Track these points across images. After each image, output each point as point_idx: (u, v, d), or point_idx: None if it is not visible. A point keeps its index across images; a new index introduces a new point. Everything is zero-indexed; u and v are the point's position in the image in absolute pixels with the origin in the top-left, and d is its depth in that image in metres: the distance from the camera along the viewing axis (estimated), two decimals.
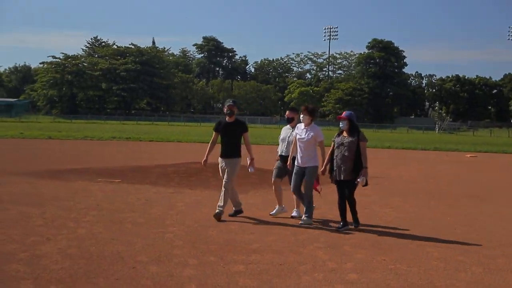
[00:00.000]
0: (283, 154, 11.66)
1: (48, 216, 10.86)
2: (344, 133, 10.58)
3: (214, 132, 11.54)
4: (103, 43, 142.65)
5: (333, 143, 10.75)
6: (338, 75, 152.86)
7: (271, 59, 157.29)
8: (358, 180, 10.24)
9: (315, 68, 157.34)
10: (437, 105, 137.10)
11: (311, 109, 11.19)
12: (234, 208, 11.64)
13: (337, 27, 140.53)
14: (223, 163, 11.32)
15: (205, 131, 62.11)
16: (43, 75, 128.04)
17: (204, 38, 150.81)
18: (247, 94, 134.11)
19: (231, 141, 11.25)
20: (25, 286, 6.57)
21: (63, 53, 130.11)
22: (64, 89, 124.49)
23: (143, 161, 22.70)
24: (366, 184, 10.43)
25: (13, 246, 8.41)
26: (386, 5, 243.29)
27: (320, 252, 8.70)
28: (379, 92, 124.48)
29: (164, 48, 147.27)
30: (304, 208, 11.05)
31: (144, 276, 7.08)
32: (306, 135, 11.00)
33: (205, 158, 11.52)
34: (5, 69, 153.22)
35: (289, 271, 7.56)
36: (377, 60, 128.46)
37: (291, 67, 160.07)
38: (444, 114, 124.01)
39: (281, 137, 11.86)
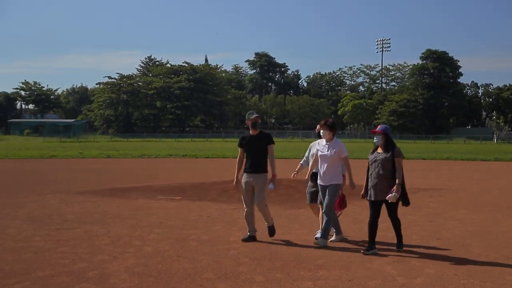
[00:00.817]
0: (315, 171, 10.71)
1: (113, 235, 10.97)
2: (379, 149, 9.75)
3: (239, 149, 10.73)
4: (157, 62, 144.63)
5: (369, 160, 9.89)
6: (392, 87, 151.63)
7: (324, 73, 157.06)
8: (390, 195, 9.32)
9: (368, 80, 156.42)
10: (495, 114, 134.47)
11: (330, 123, 10.36)
12: (248, 233, 10.63)
13: (389, 39, 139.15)
14: (250, 179, 10.46)
15: None
16: (100, 95, 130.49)
17: (256, 54, 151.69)
18: (300, 108, 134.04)
19: (257, 155, 10.49)
20: None
21: (118, 73, 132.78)
22: (120, 108, 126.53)
23: (202, 178, 22.81)
24: (403, 202, 9.61)
25: (82, 265, 8.51)
26: (439, 15, 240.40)
27: (389, 267, 8.53)
28: (434, 103, 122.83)
29: (217, 65, 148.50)
30: (322, 227, 10.21)
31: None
32: (329, 151, 10.23)
33: (235, 179, 10.78)
34: (63, 91, 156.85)
35: (358, 287, 7.43)
36: (432, 71, 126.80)
37: (344, 80, 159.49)
38: (502, 124, 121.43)
39: (311, 152, 10.97)
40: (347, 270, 8.29)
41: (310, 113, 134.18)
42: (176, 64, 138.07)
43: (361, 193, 9.83)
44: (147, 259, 8.80)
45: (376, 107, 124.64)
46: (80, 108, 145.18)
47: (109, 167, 30.24)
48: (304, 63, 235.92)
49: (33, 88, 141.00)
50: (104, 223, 12.18)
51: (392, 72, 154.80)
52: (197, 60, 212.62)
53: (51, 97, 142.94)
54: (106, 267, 8.44)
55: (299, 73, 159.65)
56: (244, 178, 10.53)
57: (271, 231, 10.68)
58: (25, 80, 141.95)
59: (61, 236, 10.87)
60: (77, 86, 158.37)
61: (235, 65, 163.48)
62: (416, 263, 8.76)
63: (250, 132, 10.60)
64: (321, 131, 10.32)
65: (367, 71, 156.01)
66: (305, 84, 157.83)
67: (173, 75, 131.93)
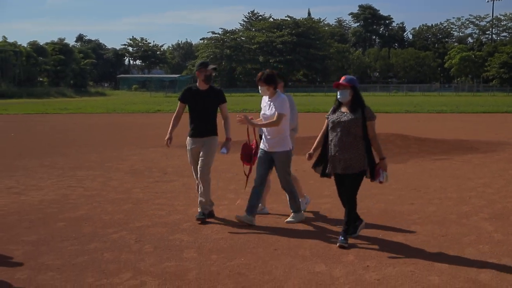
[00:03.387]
0: None
1: None
2: (343, 108, 7.28)
3: (179, 103, 8.82)
4: (260, 17, 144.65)
5: (326, 121, 7.46)
6: (503, 37, 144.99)
7: (430, 25, 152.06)
8: (380, 177, 7.20)
9: (477, 32, 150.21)
10: None
11: (266, 76, 8.15)
12: (199, 209, 8.65)
13: None
14: (194, 145, 8.65)
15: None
16: (204, 50, 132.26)
17: (360, 6, 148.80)
18: (405, 62, 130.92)
19: (205, 114, 8.61)
20: (188, 254, 6.81)
21: (222, 28, 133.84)
22: (223, 63, 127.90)
23: (302, 132, 22.73)
24: (370, 175, 7.31)
25: (178, 216, 8.77)
26: None
27: (486, 223, 8.27)
28: None
29: (320, 18, 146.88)
30: (289, 201, 8.58)
31: (301, 246, 7.10)
32: (270, 109, 8.23)
33: (168, 135, 8.85)
34: (169, 47, 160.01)
35: (451, 242, 7.26)
36: None
37: (452, 32, 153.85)
38: None
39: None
40: (441, 225, 8.12)
41: (416, 66, 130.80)
42: (279, 19, 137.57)
43: (308, 152, 7.59)
44: (240, 211, 8.95)
45: (486, 59, 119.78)
46: (185, 63, 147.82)
47: None
48: (409, 15, 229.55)
49: (140, 44, 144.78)
50: None
51: (504, 22, 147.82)
52: (300, 14, 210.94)
53: (157, 53, 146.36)
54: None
55: (404, 25, 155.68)
56: (188, 144, 8.72)
57: (206, 216, 8.56)
58: (132, 36, 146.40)
59: (159, 188, 11.22)
60: (182, 42, 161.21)
61: (338, 18, 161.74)
62: None
63: (198, 85, 8.74)
64: (259, 88, 8.27)
65: (476, 22, 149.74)
66: (411, 37, 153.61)
67: (275, 30, 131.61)
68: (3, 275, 6.07)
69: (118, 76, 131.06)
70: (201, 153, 8.55)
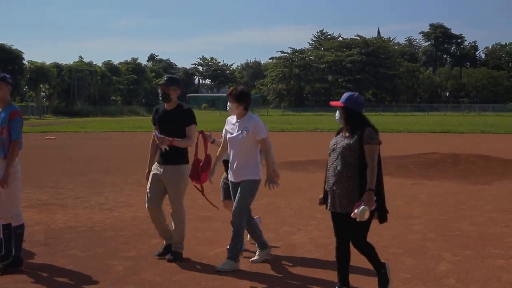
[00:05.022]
0: None
1: (295, 207, 11.27)
2: (345, 132, 6.13)
3: (153, 126, 7.83)
4: (329, 36, 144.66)
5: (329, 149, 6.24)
6: None
7: (504, 43, 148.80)
8: (356, 211, 5.68)
9: None
10: None
11: (239, 92, 7.23)
12: (164, 243, 7.74)
13: None
14: (155, 171, 7.57)
15: (433, 120, 60.37)
16: (272, 69, 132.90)
17: (431, 25, 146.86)
18: (477, 81, 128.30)
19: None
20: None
21: (290, 48, 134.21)
22: (292, 82, 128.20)
23: None
24: (379, 218, 6.04)
25: (269, 235, 8.80)
26: None
27: None
28: None
29: (389, 37, 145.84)
30: (230, 242, 7.28)
31: (400, 268, 7.04)
32: (240, 131, 7.23)
33: (147, 169, 7.73)
34: (238, 66, 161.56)
35: None
36: None
37: None
38: None
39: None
40: None
41: (488, 86, 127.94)
42: (348, 38, 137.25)
43: (319, 197, 6.32)
44: (330, 231, 8.91)
45: None
46: (254, 83, 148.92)
47: (283, 141, 30.70)
48: (482, 33, 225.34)
49: (210, 63, 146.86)
50: (285, 196, 12.46)
51: None
52: (369, 33, 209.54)
53: (227, 72, 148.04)
54: (292, 238, 8.70)
55: (476, 44, 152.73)
56: (153, 169, 7.65)
57: (174, 254, 7.48)
58: (202, 56, 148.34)
59: None
60: (251, 61, 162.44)
61: (408, 37, 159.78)
62: None
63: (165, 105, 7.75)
64: (228, 104, 7.35)
65: None
66: (483, 56, 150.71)
67: (344, 49, 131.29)
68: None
69: (188, 95, 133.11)
70: (168, 189, 7.51)
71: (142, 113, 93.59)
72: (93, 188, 13.56)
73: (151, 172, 7.58)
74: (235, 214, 7.16)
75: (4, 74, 7.09)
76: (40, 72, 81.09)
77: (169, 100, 7.57)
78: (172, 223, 7.57)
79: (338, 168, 5.91)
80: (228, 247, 7.26)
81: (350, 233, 6.03)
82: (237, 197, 7.17)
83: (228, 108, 7.32)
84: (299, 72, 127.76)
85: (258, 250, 7.52)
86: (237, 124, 7.24)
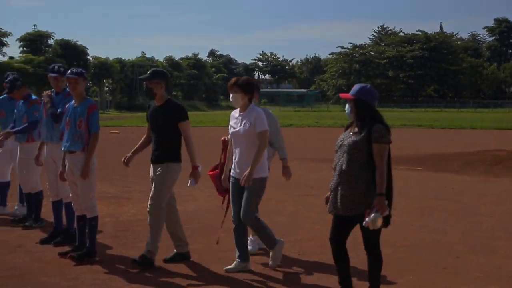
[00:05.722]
0: None
1: None
2: (354, 127, 5.60)
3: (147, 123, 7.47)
4: (390, 31, 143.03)
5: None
6: None
7: None
8: (367, 219, 5.22)
9: None
10: None
11: (243, 82, 6.79)
12: (175, 249, 7.36)
13: None
14: (153, 172, 7.20)
15: (498, 117, 58.96)
16: (332, 65, 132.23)
17: (496, 20, 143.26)
18: None
19: (156, 136, 7.14)
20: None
21: (351, 43, 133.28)
22: (352, 78, 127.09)
23: (441, 149, 22.29)
24: (385, 225, 5.41)
25: None
26: None
27: None
28: None
29: (452, 32, 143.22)
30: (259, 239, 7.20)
31: (470, 267, 6.94)
32: (242, 125, 6.74)
33: (129, 154, 7.38)
34: (297, 61, 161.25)
35: None
36: None
37: None
38: None
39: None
40: None
41: None
42: (410, 33, 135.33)
43: (325, 196, 5.76)
44: (395, 227, 8.86)
45: None
46: (313, 78, 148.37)
47: None
48: None
49: (269, 59, 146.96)
50: None
51: None
52: (431, 28, 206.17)
53: (286, 67, 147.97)
54: (357, 235, 8.63)
55: None
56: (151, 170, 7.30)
57: (143, 260, 6.91)
58: (262, 51, 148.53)
59: (308, 202, 11.31)
60: (310, 57, 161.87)
61: (471, 32, 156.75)
62: None
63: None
64: (230, 95, 6.86)
65: None
66: None
67: (406, 44, 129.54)
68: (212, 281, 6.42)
69: None
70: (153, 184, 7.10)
71: (202, 108, 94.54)
72: None
73: (150, 175, 7.19)
74: (245, 215, 6.65)
75: (81, 69, 7.31)
76: (104, 67, 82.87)
77: (154, 95, 7.19)
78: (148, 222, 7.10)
79: (343, 167, 5.41)
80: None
81: (363, 240, 5.55)
82: (244, 197, 6.64)
83: (231, 99, 6.83)
84: (359, 68, 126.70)
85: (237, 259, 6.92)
86: (240, 117, 6.76)
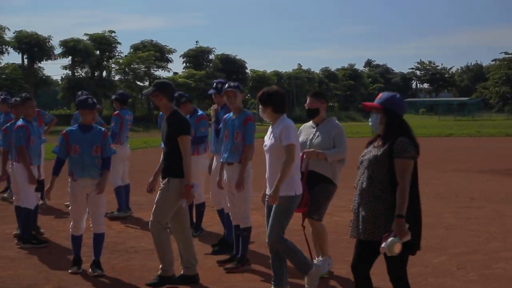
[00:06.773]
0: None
1: None
2: (378, 141, 5.09)
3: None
4: None
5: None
6: None
7: None
8: (383, 245, 4.70)
9: None
10: None
11: (268, 94, 6.35)
12: (182, 271, 6.96)
13: None
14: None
15: None
16: (495, 72, 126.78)
17: None
18: None
19: (165, 148, 6.90)
20: None
21: None
22: None
23: None
24: (411, 253, 4.97)
25: (496, 244, 8.45)
26: None
27: None
28: None
29: None
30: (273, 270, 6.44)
31: None
32: (269, 138, 6.34)
33: (151, 178, 7.13)
34: (457, 69, 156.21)
35: None
36: None
37: None
38: None
39: (300, 140, 6.81)
40: None
41: None
42: None
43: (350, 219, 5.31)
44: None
45: None
46: (475, 86, 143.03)
47: (508, 146, 29.05)
48: None
49: (427, 67, 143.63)
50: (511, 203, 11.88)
51: None
52: None
53: (445, 75, 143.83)
54: None
55: None
56: None
57: (160, 281, 6.71)
58: (420, 60, 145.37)
59: (470, 214, 10.93)
60: (472, 64, 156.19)
61: None
62: None
63: None
64: (259, 108, 6.57)
65: None
66: None
67: None
68: None
69: (405, 100, 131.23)
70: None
71: (358, 118, 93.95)
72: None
73: None
74: (271, 235, 6.16)
75: (238, 83, 7.56)
76: (262, 80, 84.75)
77: (157, 108, 7.07)
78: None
79: (363, 185, 4.96)
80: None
81: (387, 271, 4.99)
82: (271, 216, 6.19)
83: (260, 113, 6.61)
84: None
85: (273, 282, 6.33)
86: (270, 130, 6.36)
